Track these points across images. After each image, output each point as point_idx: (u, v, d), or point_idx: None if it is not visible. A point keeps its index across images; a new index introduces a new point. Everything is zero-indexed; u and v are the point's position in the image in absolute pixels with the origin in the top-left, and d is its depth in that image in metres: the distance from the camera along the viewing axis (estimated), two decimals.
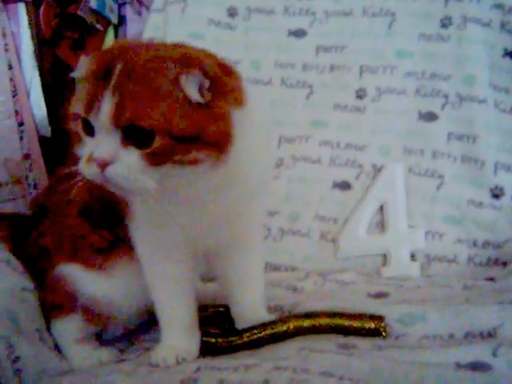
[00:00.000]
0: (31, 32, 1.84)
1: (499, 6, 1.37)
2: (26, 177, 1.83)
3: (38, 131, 1.86)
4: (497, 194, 1.33)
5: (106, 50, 0.82)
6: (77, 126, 0.79)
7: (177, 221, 0.88)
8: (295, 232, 1.39)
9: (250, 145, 0.83)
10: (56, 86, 1.91)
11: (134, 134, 0.74)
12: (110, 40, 1.93)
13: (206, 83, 0.76)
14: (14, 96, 1.80)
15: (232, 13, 1.51)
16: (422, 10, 1.43)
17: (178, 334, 0.96)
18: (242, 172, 0.84)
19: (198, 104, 0.75)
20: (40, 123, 1.85)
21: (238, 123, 0.79)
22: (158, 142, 0.74)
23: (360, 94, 1.44)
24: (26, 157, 1.81)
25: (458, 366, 0.81)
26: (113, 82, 0.74)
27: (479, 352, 0.83)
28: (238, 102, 0.81)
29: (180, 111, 0.74)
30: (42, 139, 1.83)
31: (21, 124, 1.81)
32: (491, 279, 1.21)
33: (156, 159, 0.74)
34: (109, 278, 1.02)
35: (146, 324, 1.16)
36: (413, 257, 1.33)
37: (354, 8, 1.46)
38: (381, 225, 1.37)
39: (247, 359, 0.89)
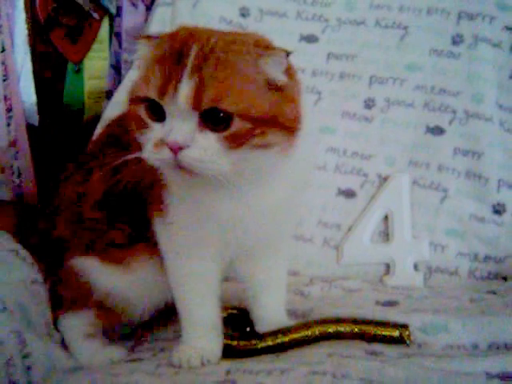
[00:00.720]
0: (26, 15, 1.79)
1: (510, 29, 1.41)
2: (11, 165, 1.78)
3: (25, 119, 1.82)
4: (499, 210, 1.36)
5: (173, 33, 0.80)
6: (140, 111, 0.77)
7: (219, 216, 0.87)
8: (298, 237, 1.39)
9: (306, 134, 0.83)
10: (47, 73, 1.87)
11: (211, 117, 0.73)
12: (105, 30, 1.90)
13: (285, 66, 0.77)
14: (4, 80, 1.75)
15: (244, 13, 1.51)
16: (435, 26, 1.45)
17: (203, 335, 0.95)
18: (296, 163, 0.84)
19: (275, 87, 0.76)
20: (28, 111, 1.81)
21: (302, 108, 0.80)
22: (236, 125, 0.73)
23: (369, 104, 1.45)
24: (13, 144, 1.76)
25: (488, 375, 0.84)
26: (190, 64, 0.73)
27: (508, 362, 0.85)
28: (300, 90, 0.82)
29: (259, 93, 0.75)
30: (29, 127, 1.79)
31: (9, 110, 1.77)
32: (493, 292, 1.23)
33: (233, 142, 0.74)
34: (125, 274, 1.00)
35: (152, 322, 1.15)
36: (415, 267, 1.36)
37: (367, 18, 1.48)
38: (384, 234, 1.40)
39: (278, 363, 0.89)
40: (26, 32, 1.79)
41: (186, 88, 0.72)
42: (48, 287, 1.06)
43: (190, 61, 0.73)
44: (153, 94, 0.74)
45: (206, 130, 0.74)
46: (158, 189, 0.91)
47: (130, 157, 0.80)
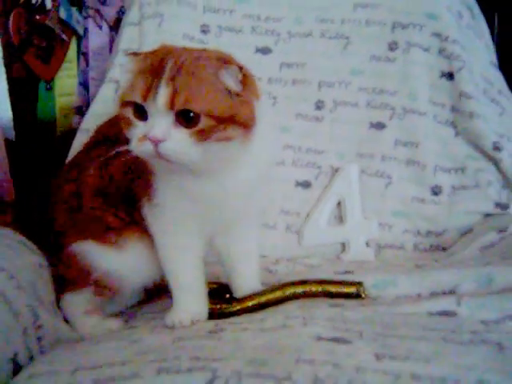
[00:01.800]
0: (1, 38, 1.90)
1: (437, 35, 1.56)
2: None
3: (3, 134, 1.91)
4: (436, 191, 1.52)
5: (155, 50, 0.97)
6: (128, 113, 0.93)
7: (197, 196, 1.02)
8: (264, 225, 1.53)
9: (263, 130, 0.99)
10: (21, 90, 1.97)
11: (183, 117, 0.89)
12: (73, 50, 2.03)
13: (240, 77, 0.93)
14: None
15: (205, 30, 1.64)
16: (373, 35, 1.60)
17: (191, 299, 1.09)
18: (257, 152, 1.00)
19: (232, 93, 0.93)
20: (5, 126, 1.90)
21: (257, 111, 0.97)
22: (203, 123, 0.89)
23: (319, 106, 1.60)
24: None
25: (430, 314, 1.02)
26: (166, 74, 0.89)
27: (445, 303, 1.03)
28: (257, 95, 0.99)
29: (220, 97, 0.91)
30: (6, 142, 1.89)
31: None
32: (434, 261, 1.41)
33: (201, 136, 0.90)
34: (121, 253, 1.13)
35: (142, 302, 1.29)
36: (367, 244, 1.52)
37: (313, 30, 1.62)
38: (339, 218, 1.55)
39: (257, 316, 1.05)
40: (1, 54, 1.90)
41: (163, 93, 0.88)
42: (52, 270, 1.18)
43: (167, 72, 0.90)
44: (138, 98, 0.90)
45: (180, 126, 0.90)
46: (146, 176, 1.05)
47: (120, 149, 0.95)
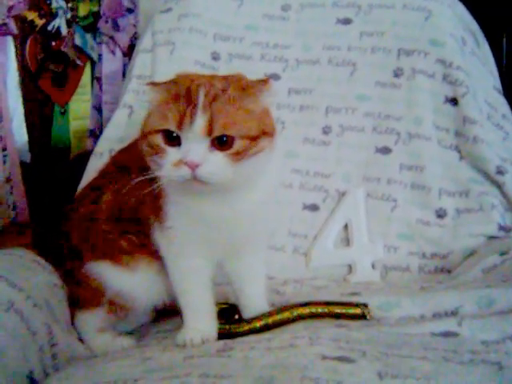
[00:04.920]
0: (17, 64, 1.96)
1: (442, 61, 1.58)
2: (7, 199, 1.93)
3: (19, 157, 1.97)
4: (441, 214, 1.55)
5: (175, 80, 1.02)
6: (157, 140, 0.98)
7: (209, 219, 1.07)
8: (272, 247, 1.56)
9: (274, 156, 1.05)
10: (36, 114, 2.03)
11: (219, 141, 0.95)
12: (87, 75, 2.09)
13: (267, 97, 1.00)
14: None
15: (215, 57, 1.70)
16: (379, 62, 1.63)
17: (201, 319, 1.13)
18: (267, 174, 1.07)
19: (261, 109, 1.00)
20: (21, 149, 1.96)
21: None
22: (238, 144, 0.96)
23: (326, 130, 1.64)
24: (8, 180, 1.90)
25: (433, 334, 1.05)
26: (201, 102, 0.95)
27: (447, 324, 1.07)
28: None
29: (252, 118, 0.98)
30: (21, 164, 1.95)
31: (4, 149, 1.91)
32: (439, 283, 1.43)
33: (236, 157, 0.96)
34: (133, 274, 1.18)
35: (153, 321, 1.33)
36: (373, 266, 1.55)
37: (320, 58, 1.67)
38: (346, 240, 1.58)
39: (264, 335, 1.08)
40: (18, 79, 1.97)
41: (200, 121, 0.94)
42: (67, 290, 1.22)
43: (201, 100, 0.95)
44: (172, 126, 0.95)
45: (215, 150, 0.95)
46: (158, 200, 1.10)
47: (147, 176, 1.00)
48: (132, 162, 1.14)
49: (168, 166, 0.96)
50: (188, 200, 1.05)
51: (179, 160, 0.95)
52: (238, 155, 0.96)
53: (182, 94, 0.97)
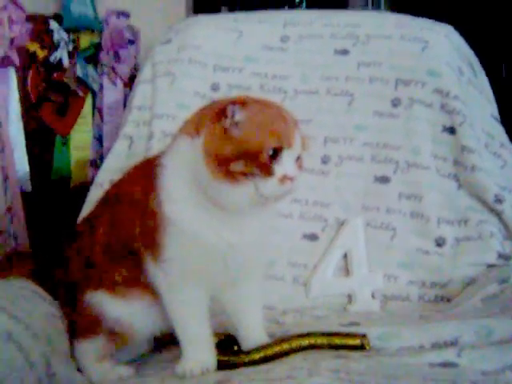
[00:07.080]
0: (19, 94, 1.98)
1: (439, 91, 1.60)
2: (8, 229, 1.93)
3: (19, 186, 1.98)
4: (440, 243, 1.55)
5: (259, 101, 1.09)
6: (263, 158, 1.01)
7: (216, 245, 1.08)
8: (271, 276, 1.56)
9: None
10: (37, 144, 2.05)
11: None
12: (88, 105, 2.11)
13: None
14: (0, 152, 1.91)
15: (215, 87, 1.72)
16: (376, 92, 1.65)
17: (200, 349, 1.13)
18: (267, 209, 1.12)
19: None
20: (22, 179, 1.98)
21: None
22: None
23: (325, 160, 1.65)
24: (9, 209, 1.91)
25: (432, 365, 1.04)
26: (293, 122, 1.05)
27: (446, 354, 1.07)
28: None
29: None
30: (22, 194, 1.96)
31: (5, 179, 1.92)
32: (439, 312, 1.44)
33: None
34: (129, 305, 1.18)
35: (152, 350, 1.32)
36: (373, 296, 1.54)
37: (319, 88, 1.69)
38: (345, 269, 1.58)
39: (263, 367, 1.08)
40: (19, 109, 1.99)
41: (298, 139, 1.04)
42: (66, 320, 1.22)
43: (291, 120, 1.06)
44: (284, 143, 1.02)
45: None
46: (155, 232, 1.10)
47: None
48: (124, 195, 1.16)
49: (274, 181, 1.01)
50: (202, 227, 1.07)
51: (283, 175, 1.01)
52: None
53: (277, 115, 1.05)
